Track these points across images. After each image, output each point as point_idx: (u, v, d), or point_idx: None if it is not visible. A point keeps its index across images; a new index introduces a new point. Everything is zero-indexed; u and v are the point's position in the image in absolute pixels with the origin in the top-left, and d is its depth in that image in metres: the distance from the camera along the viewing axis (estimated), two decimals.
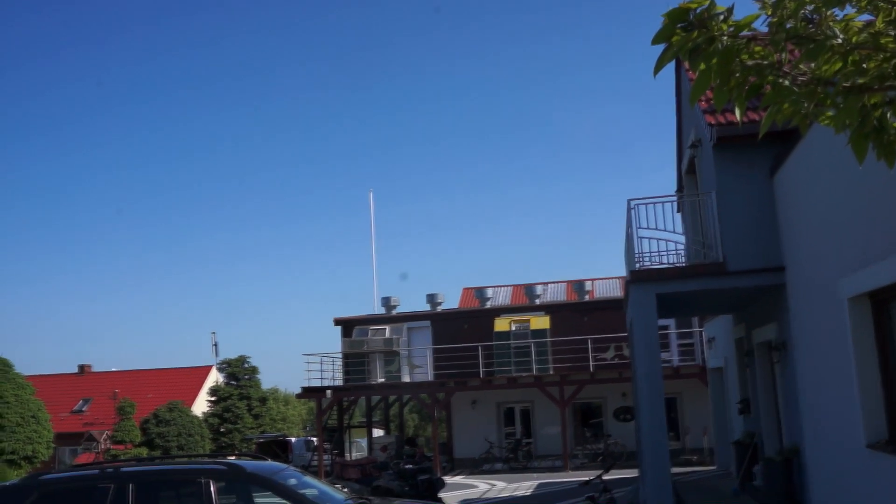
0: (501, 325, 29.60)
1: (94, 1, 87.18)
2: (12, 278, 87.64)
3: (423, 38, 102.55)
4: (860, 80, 2.63)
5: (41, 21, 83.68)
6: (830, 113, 2.77)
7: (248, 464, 8.49)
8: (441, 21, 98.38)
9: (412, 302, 62.26)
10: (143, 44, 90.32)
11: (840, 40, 2.65)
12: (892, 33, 2.66)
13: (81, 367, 51.52)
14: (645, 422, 12.34)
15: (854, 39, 2.67)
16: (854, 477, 9.37)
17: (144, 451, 36.31)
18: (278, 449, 33.10)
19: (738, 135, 12.03)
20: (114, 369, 51.60)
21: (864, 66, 2.67)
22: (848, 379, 9.12)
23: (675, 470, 17.71)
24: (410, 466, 19.09)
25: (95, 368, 51.86)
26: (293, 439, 35.96)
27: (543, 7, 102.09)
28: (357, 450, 37.77)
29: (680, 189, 19.02)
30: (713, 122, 12.39)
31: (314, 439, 33.64)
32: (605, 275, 37.28)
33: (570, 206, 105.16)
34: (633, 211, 12.83)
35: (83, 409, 47.05)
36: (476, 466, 29.39)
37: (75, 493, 8.04)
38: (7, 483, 8.31)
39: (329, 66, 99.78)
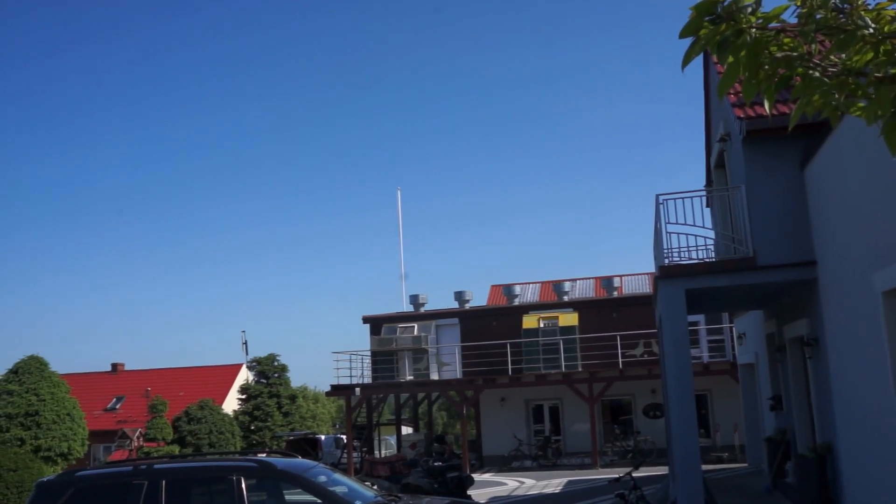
0: (530, 322, 29.54)
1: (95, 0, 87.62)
2: (48, 279, 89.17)
3: (442, 35, 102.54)
4: (892, 71, 2.59)
5: (41, 21, 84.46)
6: (862, 104, 2.72)
7: (279, 461, 8.56)
8: (456, 19, 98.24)
9: (440, 300, 62.39)
10: (155, 43, 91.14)
11: (871, 30, 2.61)
12: None
13: (115, 366, 52.24)
14: (675, 419, 12.25)
15: (886, 29, 2.63)
16: (889, 474, 9.23)
17: (176, 449, 36.76)
18: (308, 446, 33.34)
19: (767, 128, 11.89)
20: (146, 368, 52.29)
21: None
22: (883, 374, 8.99)
23: (706, 467, 17.56)
24: (439, 464, 19.13)
25: (128, 367, 52.58)
26: (323, 437, 36.21)
27: (568, 4, 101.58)
28: (386, 447, 37.95)
29: (709, 183, 18.85)
30: (742, 115, 12.25)
31: (343, 437, 33.84)
32: (634, 271, 37.08)
33: (597, 202, 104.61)
34: (661, 206, 12.73)
35: (116, 406, 47.72)
36: (505, 464, 29.38)
37: (110, 489, 8.16)
38: (45, 479, 8.46)
39: (350, 66, 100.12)
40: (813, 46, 2.72)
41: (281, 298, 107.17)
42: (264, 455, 9.33)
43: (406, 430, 36.31)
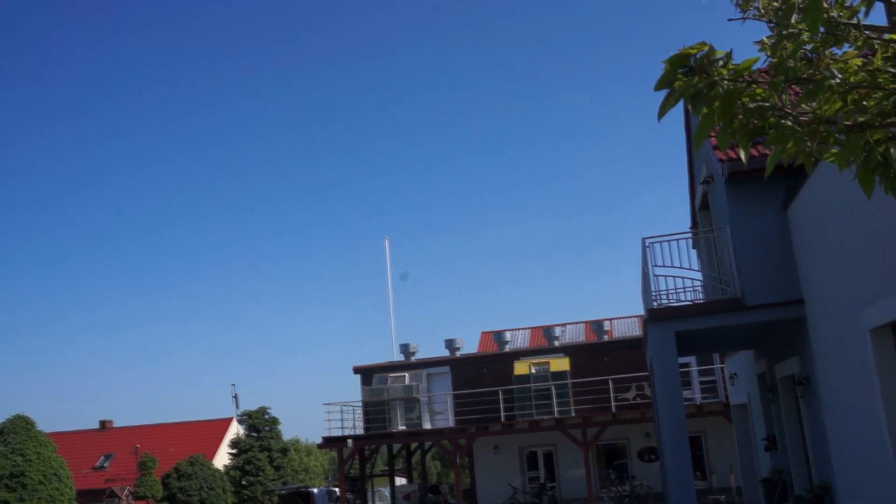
0: (521, 368, 29.43)
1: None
2: (33, 337, 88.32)
3: (432, 89, 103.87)
4: (861, 118, 2.67)
5: (41, 21, 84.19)
6: (835, 150, 2.80)
7: None
8: (447, 55, 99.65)
9: (431, 348, 62.17)
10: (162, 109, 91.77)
11: (838, 80, 2.70)
12: (892, 70, 2.70)
13: (103, 423, 51.52)
14: (669, 462, 12.17)
15: (852, 79, 2.72)
16: None
17: None
18: (301, 500, 32.82)
19: (750, 169, 12.05)
20: (135, 424, 51.60)
21: (864, 103, 2.71)
22: (875, 411, 8.99)
23: None
24: None
25: (117, 424, 51.86)
26: (315, 490, 35.67)
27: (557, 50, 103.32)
28: (380, 499, 37.37)
29: (694, 225, 19.00)
30: (724, 157, 12.43)
31: (336, 490, 33.36)
32: (624, 314, 37.10)
33: (584, 246, 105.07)
34: (647, 249, 12.81)
35: (105, 464, 46.93)
36: None
37: None
38: None
39: (342, 118, 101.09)
40: (784, 97, 2.80)
41: (270, 351, 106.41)
42: None
43: (400, 480, 35.84)
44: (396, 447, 34.21)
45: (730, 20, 2.75)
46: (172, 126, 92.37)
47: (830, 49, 2.77)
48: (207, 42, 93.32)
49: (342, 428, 30.08)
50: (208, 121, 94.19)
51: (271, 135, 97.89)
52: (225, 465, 42.70)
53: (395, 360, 33.84)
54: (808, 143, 2.75)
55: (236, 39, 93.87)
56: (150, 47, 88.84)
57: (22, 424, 34.46)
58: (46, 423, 77.08)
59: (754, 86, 2.77)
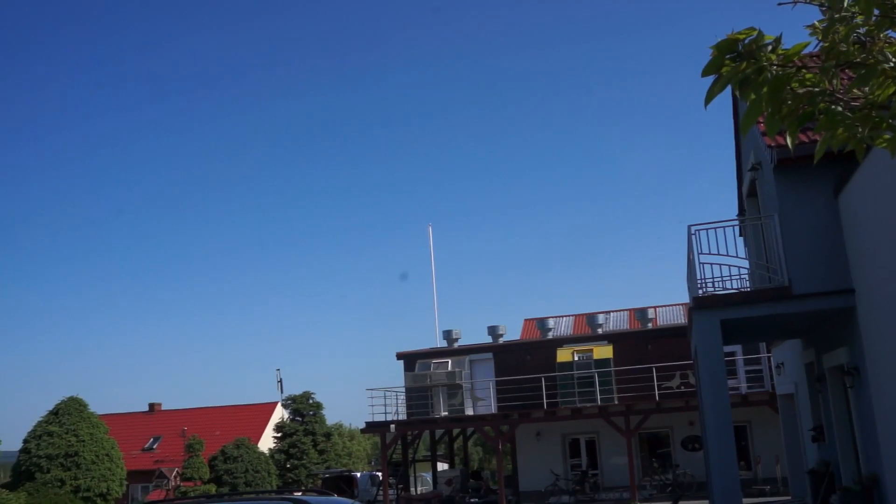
0: (564, 355, 29.32)
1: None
2: (86, 323, 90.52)
3: (482, 81, 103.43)
4: None
5: (41, 22, 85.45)
6: (887, 136, 2.74)
7: (314, 499, 8.59)
8: (482, 53, 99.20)
9: (474, 335, 62.24)
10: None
11: (892, 64, 2.63)
12: None
13: (151, 406, 52.65)
14: (713, 451, 12.06)
15: None
16: None
17: (213, 488, 36.81)
18: (344, 484, 33.23)
19: (799, 155, 11.82)
20: (182, 407, 52.61)
21: None
22: None
23: (747, 501, 17.21)
24: (476, 500, 18.97)
25: (165, 407, 52.94)
26: (358, 474, 36.09)
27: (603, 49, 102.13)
28: (422, 484, 37.68)
29: (741, 213, 18.70)
30: (772, 144, 12.19)
31: (379, 474, 33.69)
32: (668, 301, 36.72)
33: (629, 232, 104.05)
34: (693, 237, 12.65)
35: (153, 446, 48.00)
36: (542, 499, 29.00)
37: None
38: None
39: (385, 107, 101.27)
40: (835, 82, 2.74)
41: (315, 337, 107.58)
42: (300, 493, 9.35)
43: (442, 466, 36.06)
44: (439, 433, 34.39)
45: (780, 4, 2.69)
46: (237, 126, 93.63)
47: (885, 32, 2.70)
48: (263, 48, 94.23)
49: (385, 413, 30.35)
50: (276, 120, 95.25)
51: (333, 134, 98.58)
52: (270, 449, 43.35)
53: (438, 346, 33.97)
54: (860, 129, 2.69)
55: (285, 48, 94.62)
56: (210, 46, 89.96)
57: (75, 406, 35.38)
58: (98, 405, 79.05)
59: (804, 71, 2.72)
